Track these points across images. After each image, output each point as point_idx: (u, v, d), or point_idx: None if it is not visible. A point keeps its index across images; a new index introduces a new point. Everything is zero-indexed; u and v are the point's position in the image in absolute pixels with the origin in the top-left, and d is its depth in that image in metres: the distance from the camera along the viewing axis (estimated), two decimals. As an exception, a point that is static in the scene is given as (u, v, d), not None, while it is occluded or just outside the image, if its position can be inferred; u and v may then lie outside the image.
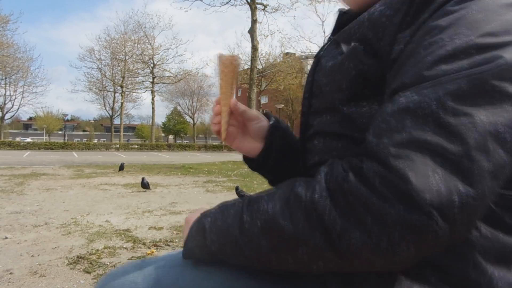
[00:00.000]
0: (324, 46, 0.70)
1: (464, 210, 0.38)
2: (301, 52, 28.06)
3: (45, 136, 60.87)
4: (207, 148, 36.55)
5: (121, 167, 10.21)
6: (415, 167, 0.39)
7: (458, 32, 0.43)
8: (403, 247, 0.40)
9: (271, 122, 0.75)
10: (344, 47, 0.59)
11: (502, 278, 0.46)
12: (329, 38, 0.72)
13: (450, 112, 0.40)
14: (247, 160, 0.79)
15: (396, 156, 0.40)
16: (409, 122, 0.42)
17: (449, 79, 0.41)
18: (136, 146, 34.23)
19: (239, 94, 46.06)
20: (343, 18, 0.71)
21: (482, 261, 0.46)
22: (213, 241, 0.55)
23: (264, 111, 0.79)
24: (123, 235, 3.47)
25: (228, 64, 0.66)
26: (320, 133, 0.62)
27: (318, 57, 0.67)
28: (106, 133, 63.46)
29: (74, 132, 75.09)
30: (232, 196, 5.74)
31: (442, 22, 0.45)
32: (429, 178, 0.38)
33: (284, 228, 0.45)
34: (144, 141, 55.77)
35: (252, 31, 16.70)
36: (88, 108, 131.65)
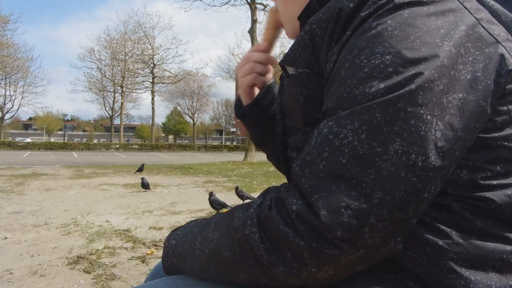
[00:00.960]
0: None
1: (379, 237, 0.41)
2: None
3: (45, 136, 60.87)
4: (207, 148, 36.54)
5: (141, 169, 9.09)
6: (329, 203, 0.41)
7: (375, 52, 0.43)
8: (323, 274, 0.44)
9: (268, 83, 0.80)
10: (290, 71, 0.59)
11: (479, 282, 0.46)
12: None
13: (365, 143, 0.41)
14: (237, 106, 0.85)
15: (313, 189, 0.43)
16: (327, 154, 0.43)
17: (364, 108, 0.42)
18: (136, 146, 34.24)
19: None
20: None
21: (456, 267, 0.46)
22: (177, 263, 0.61)
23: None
24: (123, 235, 3.47)
25: (274, 12, 0.73)
26: (297, 149, 0.62)
27: (282, 79, 0.68)
28: (106, 133, 63.42)
29: (74, 132, 75.04)
30: (232, 195, 5.74)
31: (360, 41, 0.45)
32: (341, 214, 0.40)
33: (226, 257, 0.50)
34: (144, 141, 55.77)
35: (252, 31, 16.71)
36: (88, 108, 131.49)
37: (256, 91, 0.80)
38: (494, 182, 0.47)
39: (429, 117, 0.41)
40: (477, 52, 0.45)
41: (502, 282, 0.46)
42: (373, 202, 0.40)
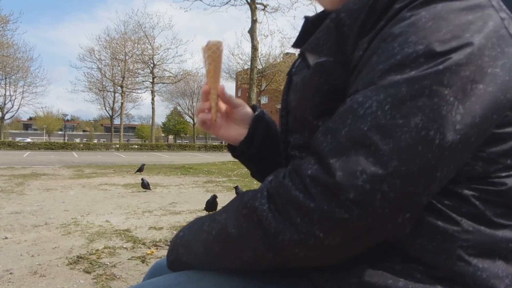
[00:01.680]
0: (295, 62, 0.70)
1: (388, 207, 0.42)
2: (301, 52, 27.97)
3: (45, 136, 60.88)
4: (207, 148, 36.54)
5: (141, 169, 8.85)
6: (346, 165, 0.42)
7: (409, 41, 0.44)
8: (330, 240, 0.44)
9: (256, 113, 0.78)
10: (312, 59, 0.58)
11: (487, 269, 0.47)
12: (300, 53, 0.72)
13: (388, 114, 0.42)
14: (231, 148, 0.82)
15: (333, 152, 0.44)
16: (350, 120, 0.44)
17: (392, 83, 0.43)
18: (136, 146, 34.23)
19: (239, 94, 46.06)
20: (309, 27, 0.69)
21: (465, 254, 0.47)
22: (182, 253, 0.62)
23: (252, 105, 0.81)
24: (123, 235, 3.47)
25: (215, 49, 0.68)
26: (300, 148, 0.62)
27: (290, 75, 0.68)
28: (106, 133, 63.45)
29: (74, 132, 75.08)
30: (232, 195, 5.74)
31: (395, 30, 0.46)
32: (356, 177, 0.41)
33: (231, 234, 0.51)
34: (144, 141, 55.77)
35: (252, 31, 16.70)
36: (88, 108, 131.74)
37: (234, 128, 0.78)
38: (503, 174, 0.49)
39: (451, 98, 0.42)
40: (499, 49, 0.46)
41: (508, 271, 0.48)
42: (388, 170, 0.41)
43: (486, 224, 0.49)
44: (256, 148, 0.77)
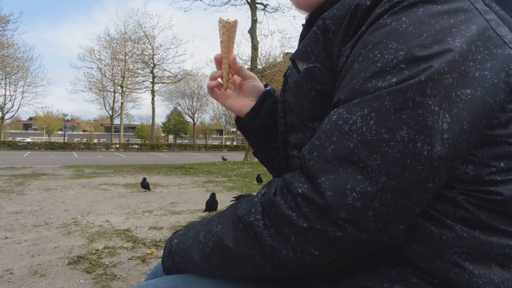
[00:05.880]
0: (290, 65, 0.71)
1: (381, 222, 0.42)
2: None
3: (45, 136, 60.85)
4: (207, 148, 36.53)
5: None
6: (335, 184, 0.42)
7: (389, 47, 0.44)
8: (326, 258, 0.44)
9: (267, 88, 0.80)
10: (301, 66, 0.59)
11: (483, 276, 0.46)
12: None
13: (373, 129, 0.42)
14: (237, 120, 0.84)
15: (321, 171, 0.44)
16: (335, 138, 0.44)
17: (374, 96, 0.43)
18: (136, 146, 34.24)
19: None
20: (304, 33, 0.69)
21: (460, 260, 0.47)
22: (179, 261, 0.61)
23: (265, 83, 0.83)
24: (123, 235, 3.47)
25: (228, 25, 0.72)
26: (298, 147, 0.63)
27: (286, 77, 0.68)
28: (106, 133, 63.41)
29: (74, 132, 75.02)
30: (232, 196, 5.74)
31: (375, 36, 0.46)
32: (346, 196, 0.41)
33: (229, 247, 0.51)
34: (144, 141, 55.76)
35: (252, 31, 16.69)
36: (88, 108, 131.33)
37: (242, 99, 0.81)
38: (498, 177, 0.49)
39: (436, 108, 0.42)
40: (486, 52, 0.46)
41: (504, 277, 0.47)
42: (378, 186, 0.40)
43: (481, 229, 0.48)
44: (261, 122, 0.78)
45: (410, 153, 0.41)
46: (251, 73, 0.78)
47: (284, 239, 0.45)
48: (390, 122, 0.41)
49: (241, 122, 0.81)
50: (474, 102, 0.44)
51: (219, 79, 0.78)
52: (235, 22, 0.72)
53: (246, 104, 0.79)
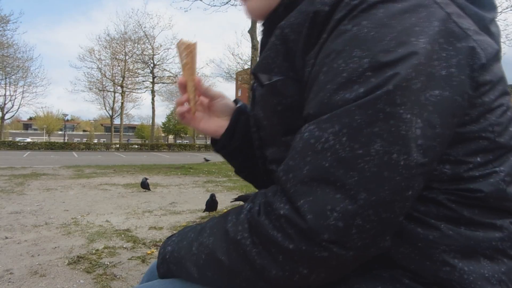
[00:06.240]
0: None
1: (368, 238, 0.41)
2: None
3: (45, 136, 60.85)
4: (207, 148, 36.53)
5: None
6: (315, 207, 0.41)
7: (352, 55, 0.43)
8: (315, 277, 0.44)
9: (238, 105, 0.76)
10: (264, 79, 0.56)
11: (473, 271, 0.46)
12: None
13: (346, 146, 0.41)
14: (213, 142, 0.79)
15: (299, 194, 0.43)
16: (309, 158, 0.43)
17: (343, 111, 0.42)
18: (136, 146, 34.25)
19: (239, 94, 46.03)
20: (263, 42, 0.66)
21: (449, 259, 0.47)
22: (174, 270, 0.59)
23: (235, 99, 0.79)
24: (123, 235, 3.47)
25: (191, 47, 0.68)
26: (275, 162, 0.61)
27: (253, 90, 0.66)
28: (106, 133, 63.42)
29: (74, 132, 75.03)
30: (233, 195, 5.74)
31: (337, 44, 0.45)
32: (327, 217, 0.40)
33: (222, 262, 0.50)
34: (144, 141, 55.75)
35: (252, 31, 16.70)
36: (88, 108, 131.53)
37: (214, 120, 0.75)
38: (477, 173, 0.48)
39: (408, 115, 0.41)
40: (450, 48, 0.45)
41: (494, 269, 0.47)
42: (358, 204, 0.40)
43: (466, 225, 0.48)
44: (239, 141, 0.74)
45: (386, 165, 0.40)
46: (219, 92, 0.74)
47: (272, 258, 0.45)
48: (363, 137, 0.41)
49: (218, 144, 0.76)
50: (444, 103, 0.43)
51: (186, 104, 0.73)
52: (196, 44, 0.69)
53: (220, 124, 0.75)
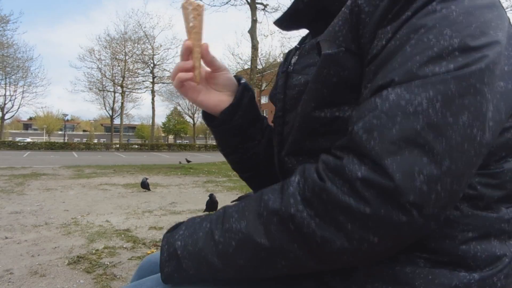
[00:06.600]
0: (288, 58, 0.69)
1: (437, 207, 0.42)
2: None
3: (45, 136, 60.86)
4: (207, 148, 36.54)
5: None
6: (403, 166, 0.41)
7: (444, 33, 0.44)
8: (382, 246, 0.43)
9: (242, 81, 0.73)
10: (326, 47, 0.55)
11: (485, 250, 0.50)
12: (296, 47, 0.70)
13: (439, 112, 0.42)
14: (207, 118, 0.74)
15: (386, 152, 0.42)
16: (400, 118, 0.42)
17: (439, 79, 0.43)
18: (136, 146, 34.27)
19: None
20: (300, 5, 0.65)
21: (466, 238, 0.50)
22: (189, 266, 0.54)
23: (235, 75, 0.75)
24: (123, 235, 3.47)
25: (199, 9, 0.62)
26: (293, 154, 0.60)
27: (287, 73, 0.65)
28: (106, 133, 63.39)
29: (74, 132, 75.02)
30: (233, 196, 5.74)
31: (427, 21, 0.46)
32: (414, 179, 0.40)
33: (260, 245, 0.47)
34: (144, 141, 55.76)
35: (252, 31, 16.69)
36: (88, 108, 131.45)
37: (214, 93, 0.71)
38: (505, 165, 0.53)
39: (489, 96, 0.43)
40: (510, 49, 0.48)
41: (503, 249, 0.51)
42: (442, 170, 0.41)
43: (483, 207, 0.51)
44: (241, 118, 0.71)
45: (468, 138, 0.42)
46: (223, 65, 0.70)
47: (336, 228, 0.43)
48: (455, 106, 0.42)
49: (218, 120, 0.72)
50: (507, 95, 0.46)
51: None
52: (203, 6, 0.63)
53: (221, 99, 0.70)
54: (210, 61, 0.67)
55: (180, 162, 14.72)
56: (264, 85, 33.83)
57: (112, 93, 40.77)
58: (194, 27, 0.62)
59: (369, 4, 0.51)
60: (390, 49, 0.47)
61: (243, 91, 0.71)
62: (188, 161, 14.45)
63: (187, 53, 0.64)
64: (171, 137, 65.66)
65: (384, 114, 0.43)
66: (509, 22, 0.50)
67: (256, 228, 0.48)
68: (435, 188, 0.40)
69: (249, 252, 0.49)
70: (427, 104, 0.42)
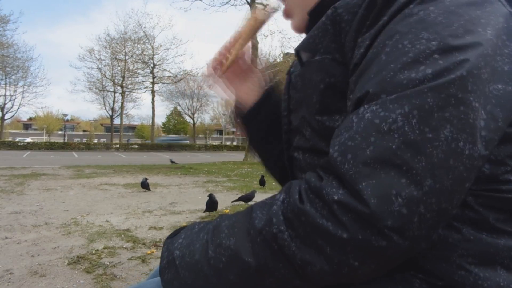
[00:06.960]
0: (294, 61, 0.70)
1: (424, 228, 0.39)
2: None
3: (45, 136, 60.87)
4: (207, 148, 36.55)
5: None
6: (379, 190, 0.39)
7: (420, 37, 0.42)
8: (365, 269, 0.41)
9: (276, 80, 0.81)
10: (306, 57, 0.56)
11: (488, 279, 0.46)
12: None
13: (416, 129, 0.39)
14: (238, 112, 0.82)
15: (360, 176, 0.40)
16: (374, 139, 0.41)
17: (414, 92, 0.40)
18: (136, 146, 34.26)
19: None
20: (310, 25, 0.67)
21: (465, 263, 0.46)
22: (185, 276, 0.54)
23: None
24: (123, 235, 3.47)
25: (256, 19, 0.69)
26: (303, 149, 0.61)
27: (289, 74, 0.67)
28: (106, 133, 63.37)
29: (74, 132, 74.97)
30: (233, 196, 5.74)
31: (402, 26, 0.44)
32: (391, 203, 0.38)
33: (248, 263, 0.46)
34: (144, 141, 55.75)
35: (252, 31, 16.67)
36: (88, 108, 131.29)
37: (246, 86, 0.81)
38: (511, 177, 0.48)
39: (476, 104, 0.40)
40: (510, 46, 0.45)
41: (509, 279, 0.46)
42: (424, 190, 0.38)
43: (487, 231, 0.47)
44: (266, 113, 0.78)
45: (453, 153, 0.39)
46: (261, 68, 0.81)
47: (316, 251, 0.41)
48: (434, 121, 0.39)
49: (251, 110, 0.79)
50: (506, 98, 0.43)
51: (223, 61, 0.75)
52: (264, 20, 0.69)
53: (252, 92, 0.80)
54: (245, 61, 0.78)
55: (171, 160, 14.78)
56: (264, 85, 33.70)
57: (112, 93, 40.76)
58: (242, 33, 0.70)
59: (348, 13, 0.50)
60: (368, 58, 0.46)
61: (274, 88, 0.80)
62: (173, 162, 14.32)
63: (227, 48, 0.73)
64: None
65: (358, 135, 0.42)
66: (509, 16, 0.47)
67: (243, 246, 0.47)
68: (416, 210, 0.38)
69: (237, 269, 0.48)
70: (403, 120, 0.40)
